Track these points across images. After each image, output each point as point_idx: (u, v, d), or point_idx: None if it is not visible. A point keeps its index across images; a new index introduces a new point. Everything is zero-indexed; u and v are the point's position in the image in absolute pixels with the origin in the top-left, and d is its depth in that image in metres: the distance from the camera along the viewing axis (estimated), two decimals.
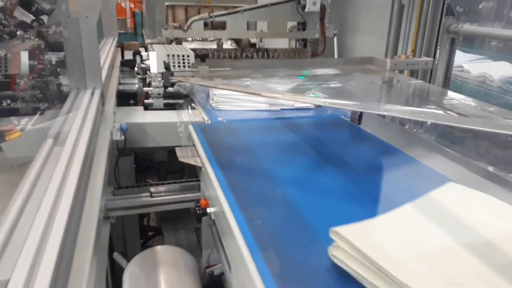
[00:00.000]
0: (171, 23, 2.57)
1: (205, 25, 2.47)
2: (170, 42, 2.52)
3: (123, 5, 6.45)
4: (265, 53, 2.66)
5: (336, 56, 2.74)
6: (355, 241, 0.68)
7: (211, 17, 2.43)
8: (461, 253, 0.71)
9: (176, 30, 2.41)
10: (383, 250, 0.68)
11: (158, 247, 1.36)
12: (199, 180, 1.35)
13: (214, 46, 2.69)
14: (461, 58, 1.87)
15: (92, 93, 1.44)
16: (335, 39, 2.75)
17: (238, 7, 2.71)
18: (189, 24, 2.43)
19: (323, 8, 2.56)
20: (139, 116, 1.70)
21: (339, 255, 0.71)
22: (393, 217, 0.82)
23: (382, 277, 0.64)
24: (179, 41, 2.56)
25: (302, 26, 2.67)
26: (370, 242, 0.70)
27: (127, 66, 2.51)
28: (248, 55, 2.63)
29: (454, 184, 0.98)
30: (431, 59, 1.81)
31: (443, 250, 0.72)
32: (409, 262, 0.67)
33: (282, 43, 2.87)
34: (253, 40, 2.86)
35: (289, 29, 2.65)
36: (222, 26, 2.54)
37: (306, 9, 2.51)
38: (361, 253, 0.67)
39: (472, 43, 1.97)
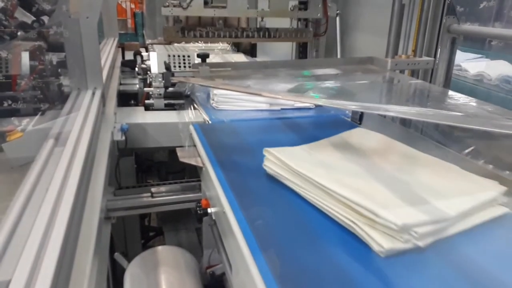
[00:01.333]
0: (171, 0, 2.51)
1: (205, 3, 2.42)
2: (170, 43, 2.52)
3: (123, 5, 6.46)
4: (266, 33, 2.60)
5: (338, 36, 2.66)
6: (276, 153, 1.05)
7: None
8: (353, 167, 1.04)
9: (176, 8, 2.38)
10: (297, 159, 1.02)
11: (159, 248, 1.37)
12: (200, 180, 1.35)
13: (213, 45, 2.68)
14: (459, 57, 1.86)
15: (93, 94, 1.45)
16: (337, 19, 2.66)
17: None
18: (189, 2, 2.37)
19: None
20: (139, 116, 1.70)
21: (268, 163, 1.07)
22: (310, 145, 1.18)
23: (295, 175, 0.98)
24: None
25: (304, 5, 2.60)
26: (287, 154, 1.05)
27: (128, 66, 2.51)
28: (249, 35, 2.59)
29: (361, 128, 1.37)
30: (432, 59, 1.81)
31: (341, 164, 1.05)
32: (313, 168, 0.98)
33: (283, 23, 2.83)
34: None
35: (290, 8, 2.59)
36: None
37: None
38: (280, 160, 1.03)
39: (471, 42, 1.97)
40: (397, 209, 0.81)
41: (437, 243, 0.77)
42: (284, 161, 1.01)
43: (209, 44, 2.97)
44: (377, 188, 0.91)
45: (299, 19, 2.78)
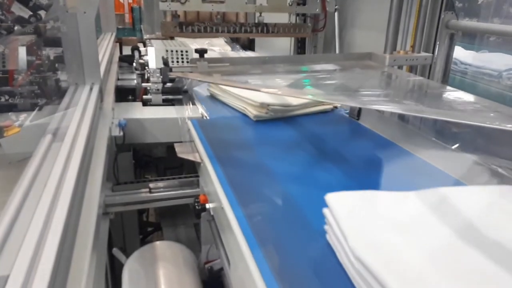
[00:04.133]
0: None
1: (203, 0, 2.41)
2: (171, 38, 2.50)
3: (121, 0, 6.41)
4: (265, 28, 2.59)
5: (336, 32, 2.66)
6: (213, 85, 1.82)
7: None
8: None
9: (174, 2, 2.36)
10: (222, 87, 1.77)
11: (157, 243, 1.37)
12: (198, 176, 1.35)
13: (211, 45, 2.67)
14: None
15: (91, 89, 1.44)
16: (336, 14, 2.64)
17: None
18: None
19: None
20: (137, 112, 1.69)
21: (210, 89, 1.85)
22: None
23: (222, 91, 1.78)
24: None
25: (303, 0, 2.61)
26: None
27: (126, 61, 2.50)
28: (248, 30, 2.58)
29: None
30: (430, 54, 1.80)
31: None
32: (231, 84, 1.58)
33: (282, 18, 2.83)
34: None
35: (289, 3, 2.58)
36: None
37: None
38: (214, 84, 1.79)
39: None
40: (264, 98, 1.52)
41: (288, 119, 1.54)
42: (216, 83, 1.72)
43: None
44: (260, 95, 1.49)
45: (297, 14, 2.77)
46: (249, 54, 3.12)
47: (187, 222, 2.22)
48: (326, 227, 0.78)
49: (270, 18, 2.69)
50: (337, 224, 0.71)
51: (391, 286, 0.54)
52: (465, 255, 0.62)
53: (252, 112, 1.55)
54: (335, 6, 2.61)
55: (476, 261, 0.61)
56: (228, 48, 2.80)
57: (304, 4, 2.62)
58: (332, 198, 0.78)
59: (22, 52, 1.67)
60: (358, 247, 0.63)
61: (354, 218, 0.71)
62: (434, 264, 0.60)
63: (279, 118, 1.55)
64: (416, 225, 0.70)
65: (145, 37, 2.97)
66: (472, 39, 1.76)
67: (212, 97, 1.86)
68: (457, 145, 1.18)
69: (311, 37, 2.78)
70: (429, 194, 0.80)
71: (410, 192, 0.81)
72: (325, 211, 0.78)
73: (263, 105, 1.53)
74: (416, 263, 0.59)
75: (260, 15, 2.59)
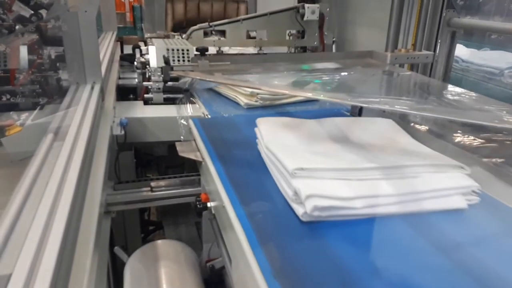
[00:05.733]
0: (170, 24, 2.57)
1: (205, 34, 2.50)
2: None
3: None
4: None
5: None
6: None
7: (210, 26, 2.45)
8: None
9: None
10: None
11: (159, 242, 1.37)
12: (199, 175, 1.35)
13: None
14: None
15: (92, 88, 1.44)
16: (333, 46, 2.77)
17: (237, 1, 2.70)
18: (189, 34, 2.47)
19: (321, 16, 2.60)
20: (139, 110, 1.70)
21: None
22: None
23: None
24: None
25: (301, 34, 2.68)
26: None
27: (127, 60, 2.50)
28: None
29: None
30: (431, 52, 1.80)
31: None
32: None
33: (281, 51, 2.88)
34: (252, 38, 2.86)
35: (288, 37, 2.67)
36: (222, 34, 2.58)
37: (305, 18, 2.54)
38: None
39: None
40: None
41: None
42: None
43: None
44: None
45: (296, 47, 2.82)
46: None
47: (188, 220, 2.23)
48: (257, 140, 1.16)
49: (270, 49, 2.75)
50: (260, 134, 1.12)
51: (285, 161, 0.92)
52: (332, 147, 1.07)
53: (243, 100, 1.66)
54: (333, 38, 2.73)
55: (337, 148, 1.05)
56: None
57: (303, 37, 2.69)
58: (260, 120, 1.21)
59: (23, 51, 1.67)
60: (269, 141, 1.05)
61: (270, 128, 1.14)
62: (313, 149, 1.03)
63: (278, 116, 1.55)
64: (308, 132, 1.16)
65: (146, 35, 2.97)
66: (474, 37, 1.76)
67: (210, 89, 1.90)
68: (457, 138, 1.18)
69: None
70: (325, 119, 1.27)
71: (314, 119, 1.27)
72: (255, 129, 1.18)
73: (252, 94, 1.64)
74: (301, 149, 1.03)
75: (260, 49, 2.65)
